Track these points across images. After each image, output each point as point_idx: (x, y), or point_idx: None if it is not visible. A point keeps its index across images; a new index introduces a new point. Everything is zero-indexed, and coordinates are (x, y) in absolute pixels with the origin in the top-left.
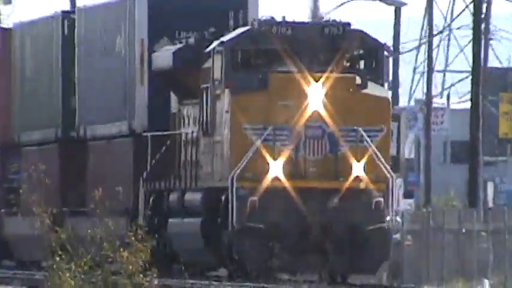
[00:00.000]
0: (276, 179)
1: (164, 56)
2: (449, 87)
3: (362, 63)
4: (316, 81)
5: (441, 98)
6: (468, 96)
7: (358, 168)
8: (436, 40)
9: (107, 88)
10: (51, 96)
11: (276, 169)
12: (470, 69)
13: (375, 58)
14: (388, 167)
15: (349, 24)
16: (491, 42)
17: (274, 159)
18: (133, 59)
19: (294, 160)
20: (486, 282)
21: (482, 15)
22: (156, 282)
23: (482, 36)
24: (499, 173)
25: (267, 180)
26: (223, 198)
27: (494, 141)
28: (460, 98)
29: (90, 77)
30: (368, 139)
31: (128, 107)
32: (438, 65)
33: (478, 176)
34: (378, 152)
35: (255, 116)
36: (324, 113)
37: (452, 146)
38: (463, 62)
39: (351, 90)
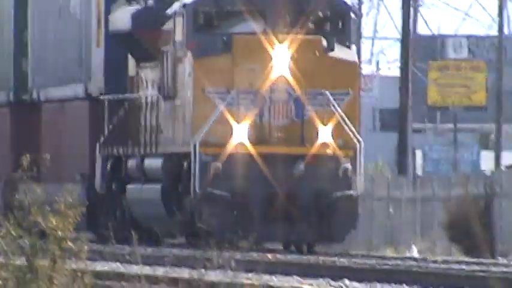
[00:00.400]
0: (240, 144)
1: (122, 17)
2: (378, 53)
3: (329, 25)
4: (282, 44)
5: (370, 64)
6: (397, 64)
7: (324, 134)
8: (365, 7)
9: (61, 50)
10: (2, 58)
11: (240, 134)
12: (399, 36)
13: (342, 20)
14: (356, 133)
15: None
16: (420, 9)
17: (238, 123)
18: (90, 20)
19: (259, 125)
20: (414, 247)
21: None
22: (86, 247)
23: (412, 3)
24: (427, 140)
25: (231, 146)
26: (185, 164)
27: (423, 108)
28: (389, 64)
29: (43, 39)
30: (335, 103)
31: (83, 70)
32: (367, 31)
33: (407, 144)
34: (345, 117)
35: (219, 80)
36: (289, 77)
37: (381, 113)
38: (393, 29)
39: (317, 52)
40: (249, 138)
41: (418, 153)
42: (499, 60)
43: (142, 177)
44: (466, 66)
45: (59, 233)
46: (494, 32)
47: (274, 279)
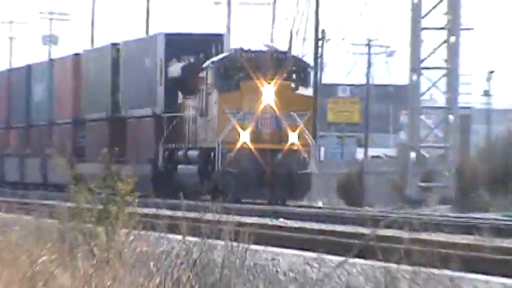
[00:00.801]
0: (244, 143)
1: (176, 69)
2: None
3: (295, 75)
4: (268, 85)
5: None
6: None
7: (293, 137)
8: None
9: (139, 87)
10: (104, 92)
11: (244, 137)
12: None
13: (303, 72)
14: (311, 137)
15: (287, 52)
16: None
17: (244, 130)
18: (155, 70)
19: (255, 131)
20: (319, 202)
21: None
22: (137, 200)
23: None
24: (328, 141)
25: (239, 143)
26: (212, 154)
27: (325, 123)
28: None
29: (128, 80)
30: (299, 120)
31: (152, 99)
32: None
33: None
34: (304, 128)
35: (232, 105)
36: (273, 104)
37: None
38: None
39: (288, 91)
40: (249, 139)
41: (322, 149)
42: (366, 98)
43: (186, 161)
44: (348, 101)
45: (123, 191)
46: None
47: (246, 219)
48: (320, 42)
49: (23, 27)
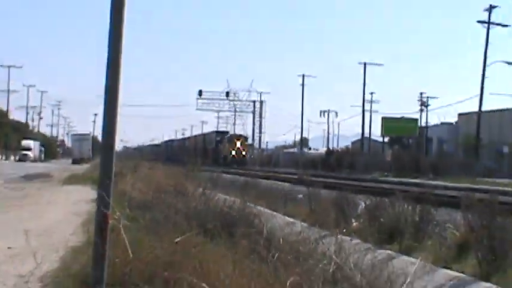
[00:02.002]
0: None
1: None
2: None
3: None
4: (238, 140)
5: None
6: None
7: (244, 152)
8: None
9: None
10: None
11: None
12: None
13: (245, 137)
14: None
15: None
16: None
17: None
18: None
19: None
20: None
21: None
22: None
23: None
24: None
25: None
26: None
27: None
28: None
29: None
30: (244, 145)
31: None
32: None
33: None
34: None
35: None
36: (239, 146)
37: None
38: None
39: (244, 141)
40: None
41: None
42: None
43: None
44: None
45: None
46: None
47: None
48: None
49: None
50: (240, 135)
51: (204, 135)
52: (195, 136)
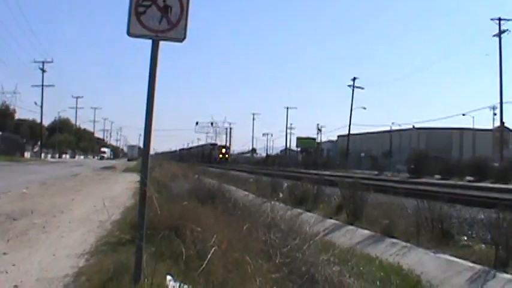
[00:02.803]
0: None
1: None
2: None
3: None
4: (223, 148)
5: None
6: None
7: (227, 155)
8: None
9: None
10: None
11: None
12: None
13: (228, 147)
14: (229, 155)
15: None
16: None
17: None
18: None
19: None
20: None
21: None
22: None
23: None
24: None
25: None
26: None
27: None
28: None
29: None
30: (228, 151)
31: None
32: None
33: None
34: (228, 153)
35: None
36: (224, 152)
37: None
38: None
39: (227, 149)
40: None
41: None
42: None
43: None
44: None
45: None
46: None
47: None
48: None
49: None
50: (225, 146)
51: (203, 146)
52: (197, 146)
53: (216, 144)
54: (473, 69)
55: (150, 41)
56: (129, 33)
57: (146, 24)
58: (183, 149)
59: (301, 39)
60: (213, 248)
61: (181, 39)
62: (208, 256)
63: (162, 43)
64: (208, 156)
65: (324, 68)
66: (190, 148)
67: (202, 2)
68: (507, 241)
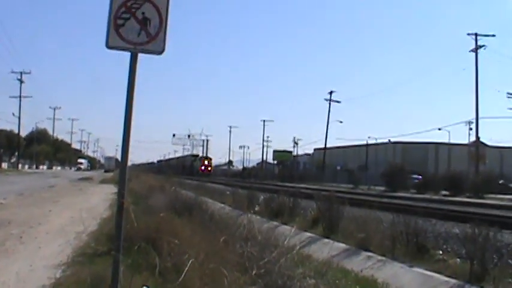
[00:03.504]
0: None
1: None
2: None
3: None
4: (206, 160)
5: None
6: None
7: (210, 168)
8: None
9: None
10: None
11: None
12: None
13: (210, 158)
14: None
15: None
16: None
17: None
18: None
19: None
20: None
21: None
22: None
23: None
24: None
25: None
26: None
27: None
28: None
29: None
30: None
31: None
32: None
33: None
34: (211, 165)
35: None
36: (206, 163)
37: None
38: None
39: (210, 160)
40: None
41: None
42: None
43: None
44: None
45: None
46: None
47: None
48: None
49: None
50: (207, 157)
51: (184, 157)
52: (177, 158)
53: (197, 156)
54: (449, 84)
55: (129, 53)
56: (108, 46)
57: (125, 36)
58: (161, 161)
59: (278, 53)
60: (190, 261)
61: (160, 51)
62: (186, 269)
63: (141, 55)
64: (189, 168)
65: (301, 81)
66: (170, 159)
67: (181, 15)
68: (482, 255)
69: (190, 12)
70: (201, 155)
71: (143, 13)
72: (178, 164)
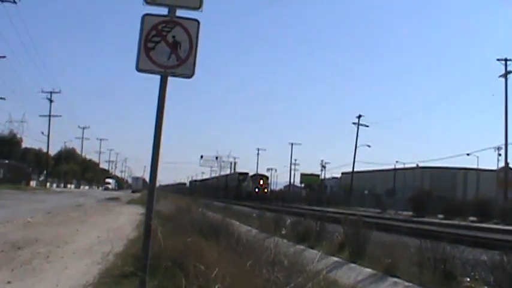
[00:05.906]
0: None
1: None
2: None
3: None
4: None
5: None
6: None
7: (266, 189)
8: None
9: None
10: None
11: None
12: None
13: (267, 177)
14: (268, 186)
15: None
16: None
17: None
18: None
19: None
20: None
21: None
22: None
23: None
24: None
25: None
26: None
27: None
28: None
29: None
30: (267, 182)
31: None
32: None
33: None
34: (267, 186)
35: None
36: (261, 184)
37: None
38: None
39: (266, 180)
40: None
41: None
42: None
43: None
44: None
45: None
46: None
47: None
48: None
49: None
50: (263, 175)
51: (227, 175)
52: (217, 177)
53: (246, 174)
54: (478, 109)
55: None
56: (138, 69)
57: (155, 59)
58: (195, 181)
59: (307, 76)
60: (217, 286)
61: (190, 75)
62: None
63: (170, 78)
64: (236, 190)
65: (329, 105)
66: (206, 180)
67: (211, 38)
68: (510, 283)
69: (219, 35)
70: (251, 173)
71: (174, 36)
72: (219, 185)
